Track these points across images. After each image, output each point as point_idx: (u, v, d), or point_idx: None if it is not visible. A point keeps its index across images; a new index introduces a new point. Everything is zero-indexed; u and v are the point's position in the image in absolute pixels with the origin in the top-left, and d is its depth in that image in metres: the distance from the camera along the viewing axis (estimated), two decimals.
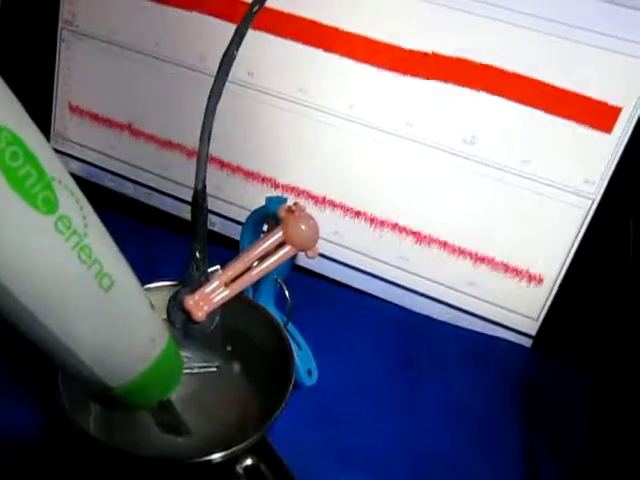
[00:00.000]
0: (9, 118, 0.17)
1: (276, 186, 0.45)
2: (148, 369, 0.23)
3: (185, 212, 0.45)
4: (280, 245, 0.31)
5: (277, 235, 0.30)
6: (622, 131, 0.36)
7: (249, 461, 0.26)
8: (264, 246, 0.30)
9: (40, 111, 0.50)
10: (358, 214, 0.43)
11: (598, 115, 0.36)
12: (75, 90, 0.49)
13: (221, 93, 0.28)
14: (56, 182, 0.18)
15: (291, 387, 0.28)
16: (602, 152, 0.37)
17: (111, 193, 0.50)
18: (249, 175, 0.45)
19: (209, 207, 0.46)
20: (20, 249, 0.18)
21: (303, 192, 0.44)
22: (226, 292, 0.30)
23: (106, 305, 0.21)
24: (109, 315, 0.21)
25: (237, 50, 0.28)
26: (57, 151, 0.50)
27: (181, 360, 0.26)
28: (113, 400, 0.24)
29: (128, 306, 0.22)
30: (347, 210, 0.44)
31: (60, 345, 0.20)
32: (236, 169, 0.45)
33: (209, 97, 0.28)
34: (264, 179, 0.45)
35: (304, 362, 0.34)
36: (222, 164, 0.46)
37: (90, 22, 0.46)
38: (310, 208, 0.44)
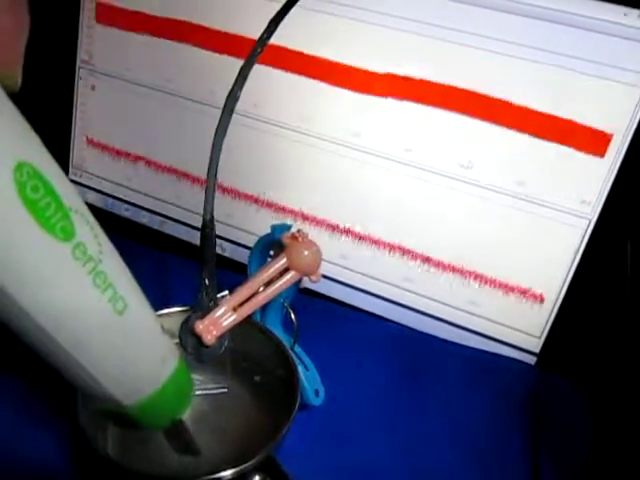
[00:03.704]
0: (30, 154, 0.18)
1: (284, 212, 0.47)
2: (160, 388, 0.24)
3: (198, 239, 0.47)
4: (285, 270, 0.32)
5: (282, 261, 0.32)
6: (616, 152, 0.37)
7: (257, 478, 0.27)
8: (269, 272, 0.32)
9: (59, 145, 0.52)
10: (363, 238, 0.45)
11: (591, 140, 0.38)
12: (92, 125, 0.51)
13: (226, 130, 0.30)
14: (73, 212, 0.19)
15: (297, 407, 0.30)
16: (597, 173, 0.38)
17: (127, 222, 0.52)
18: (258, 202, 0.47)
19: (220, 233, 0.48)
20: (40, 275, 0.19)
21: (309, 217, 0.46)
22: (234, 316, 0.31)
23: (120, 327, 0.22)
24: (122, 337, 0.22)
25: (240, 90, 0.29)
26: (75, 182, 0.53)
27: (192, 380, 0.27)
28: (127, 419, 0.25)
29: (140, 328, 0.23)
30: (352, 234, 0.45)
31: (76, 365, 0.21)
32: (245, 197, 0.47)
33: (215, 133, 0.30)
34: (272, 206, 0.47)
35: (311, 383, 0.35)
36: (232, 192, 0.48)
37: (106, 61, 0.49)
38: (317, 233, 0.46)
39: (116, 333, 0.22)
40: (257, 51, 0.29)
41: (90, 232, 0.20)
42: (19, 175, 0.17)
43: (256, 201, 0.47)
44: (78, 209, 0.20)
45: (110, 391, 0.23)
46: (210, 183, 0.30)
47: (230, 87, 0.28)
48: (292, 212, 0.46)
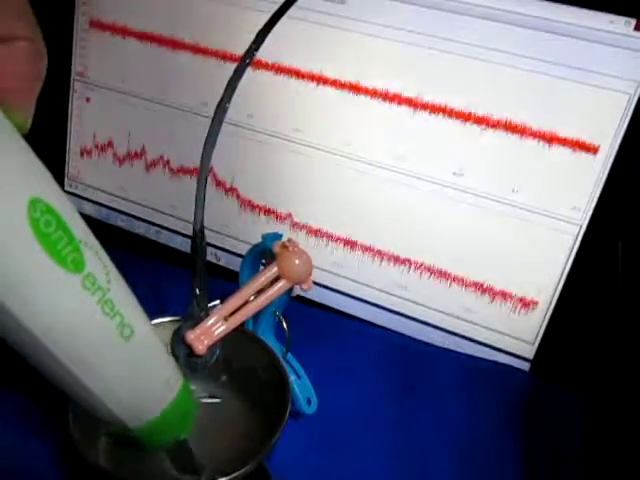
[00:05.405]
0: (43, 190, 0.19)
1: (278, 221, 0.47)
2: (165, 410, 0.25)
3: None
4: (276, 279, 0.32)
5: (272, 270, 0.32)
6: (605, 158, 0.38)
7: None
8: (260, 281, 0.32)
9: (55, 157, 0.53)
10: (356, 245, 0.45)
11: (580, 146, 0.38)
12: (87, 136, 0.52)
13: (216, 140, 0.30)
14: (82, 244, 0.20)
15: (287, 416, 0.30)
16: (586, 180, 0.38)
17: (122, 232, 0.52)
18: (253, 211, 0.47)
19: (215, 242, 0.49)
20: (52, 305, 0.19)
21: (304, 226, 0.46)
22: (225, 326, 0.31)
23: (126, 353, 0.23)
24: (129, 361, 0.23)
25: (229, 101, 0.30)
26: (71, 194, 0.53)
27: (194, 400, 0.28)
28: (131, 440, 0.25)
29: (146, 352, 0.24)
30: (346, 242, 0.45)
31: (84, 389, 0.22)
32: (240, 206, 0.48)
33: (205, 143, 0.30)
34: (267, 215, 0.47)
35: (303, 391, 0.35)
36: (227, 201, 0.48)
37: (100, 73, 0.50)
38: (311, 241, 0.46)
39: (123, 358, 0.23)
40: (245, 62, 0.30)
41: (98, 262, 0.21)
42: (33, 211, 0.18)
43: (251, 210, 0.47)
44: (87, 241, 0.21)
45: (117, 414, 0.23)
46: (199, 193, 0.30)
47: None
48: (287, 220, 0.46)
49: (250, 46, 0.29)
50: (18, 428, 0.34)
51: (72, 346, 0.20)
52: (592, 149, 0.38)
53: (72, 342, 0.20)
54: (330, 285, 0.46)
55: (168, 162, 0.49)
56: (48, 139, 0.52)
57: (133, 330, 0.22)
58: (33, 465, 0.33)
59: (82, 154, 0.52)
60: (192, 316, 0.31)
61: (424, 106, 0.41)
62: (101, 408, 0.23)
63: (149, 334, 0.24)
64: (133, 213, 0.52)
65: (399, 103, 0.41)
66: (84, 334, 0.21)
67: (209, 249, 0.49)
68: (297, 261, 0.32)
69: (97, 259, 0.21)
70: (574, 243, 0.40)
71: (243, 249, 0.47)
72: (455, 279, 0.43)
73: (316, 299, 0.46)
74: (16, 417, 0.35)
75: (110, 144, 0.51)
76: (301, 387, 0.35)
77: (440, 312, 0.44)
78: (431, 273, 0.44)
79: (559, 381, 0.41)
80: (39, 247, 0.19)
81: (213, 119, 0.29)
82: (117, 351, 0.22)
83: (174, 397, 0.25)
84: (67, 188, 0.53)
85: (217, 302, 0.32)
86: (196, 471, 0.29)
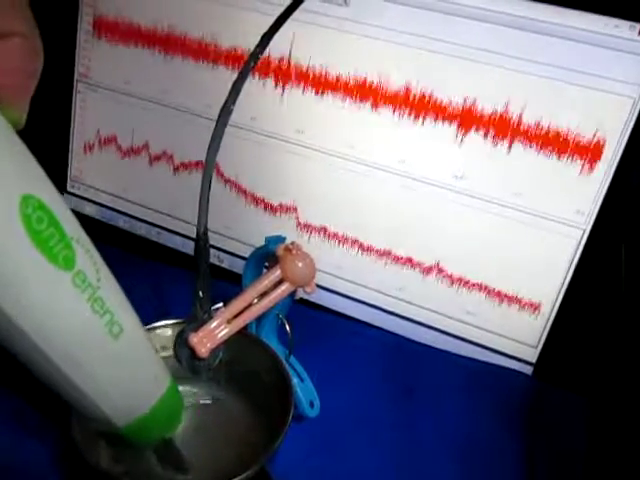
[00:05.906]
0: (35, 187, 0.19)
1: (281, 222, 0.47)
2: (154, 407, 0.25)
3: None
4: (279, 282, 0.32)
5: (276, 273, 0.32)
6: (609, 162, 0.38)
7: None
8: (264, 284, 0.32)
9: (57, 157, 0.53)
10: (359, 247, 0.45)
11: (584, 150, 0.38)
12: (90, 137, 0.52)
13: (220, 143, 0.30)
14: (74, 241, 0.20)
15: (290, 419, 0.30)
16: (590, 184, 0.38)
17: (124, 233, 0.52)
18: (256, 214, 0.47)
19: (218, 245, 0.48)
20: (42, 301, 0.20)
21: (306, 228, 0.46)
22: (228, 329, 0.31)
23: (115, 351, 0.23)
24: (117, 360, 0.23)
25: (234, 103, 0.30)
26: (73, 195, 0.53)
27: (182, 400, 0.28)
28: (119, 438, 0.25)
29: (135, 351, 0.24)
30: (348, 244, 0.45)
31: (72, 386, 0.22)
32: (243, 208, 0.48)
33: (209, 146, 0.30)
34: (270, 217, 0.47)
35: (306, 394, 0.35)
36: (228, 203, 0.48)
37: (103, 74, 0.50)
38: (313, 243, 0.46)
39: (112, 356, 0.23)
40: (250, 65, 0.30)
41: (89, 260, 0.21)
42: (25, 207, 0.18)
43: (254, 212, 0.47)
44: (79, 238, 0.21)
45: (106, 412, 0.23)
46: (203, 195, 0.30)
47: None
48: (290, 223, 0.46)
49: (254, 49, 0.29)
50: (14, 430, 0.34)
51: (61, 343, 0.21)
52: (596, 152, 0.38)
53: (61, 339, 0.20)
54: (332, 288, 0.46)
55: (172, 157, 0.49)
56: (50, 140, 0.52)
57: (122, 328, 0.23)
58: (29, 468, 0.33)
59: (84, 155, 0.52)
60: (195, 319, 0.31)
61: (427, 109, 0.41)
62: (90, 406, 0.23)
63: (138, 332, 0.24)
64: (135, 214, 0.52)
65: (402, 106, 0.41)
66: (73, 332, 0.21)
67: (212, 251, 0.49)
68: (300, 264, 0.32)
69: (88, 257, 0.21)
70: (577, 247, 0.39)
71: (246, 252, 0.47)
72: (457, 281, 0.43)
73: (319, 302, 0.46)
74: (12, 419, 0.35)
75: (113, 145, 0.51)
76: (304, 390, 0.35)
77: (441, 314, 0.44)
78: (432, 275, 0.43)
79: (562, 384, 0.41)
80: (31, 244, 0.19)
81: (217, 121, 0.29)
82: (106, 349, 0.22)
83: (162, 394, 0.26)
84: (69, 189, 0.53)
85: (220, 305, 0.32)
86: (183, 470, 0.29)
